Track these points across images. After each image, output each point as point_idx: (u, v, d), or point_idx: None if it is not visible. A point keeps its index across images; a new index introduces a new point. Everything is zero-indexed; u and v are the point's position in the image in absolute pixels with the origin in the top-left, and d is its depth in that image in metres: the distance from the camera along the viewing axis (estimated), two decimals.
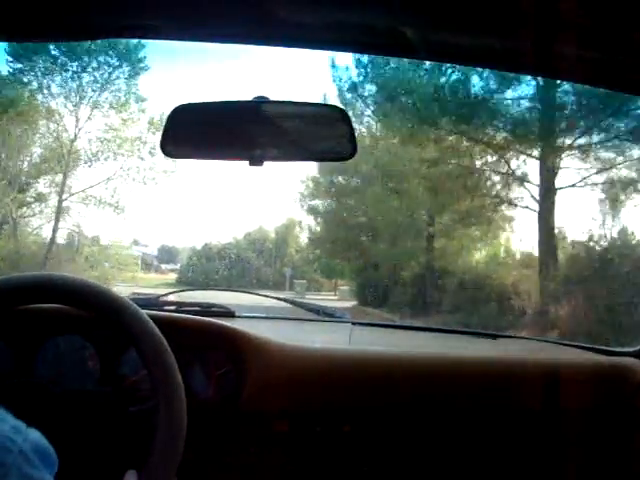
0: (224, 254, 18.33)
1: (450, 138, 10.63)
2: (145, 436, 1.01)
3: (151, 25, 0.99)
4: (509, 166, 10.72)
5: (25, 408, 1.07)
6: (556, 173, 10.07)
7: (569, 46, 0.96)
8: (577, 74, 1.08)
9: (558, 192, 9.98)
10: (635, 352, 1.56)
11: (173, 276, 18.23)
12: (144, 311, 1.08)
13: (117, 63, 12.35)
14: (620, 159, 9.52)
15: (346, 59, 11.16)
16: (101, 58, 12.26)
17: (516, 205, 10.81)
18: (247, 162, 1.14)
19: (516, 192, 10.76)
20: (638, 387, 1.47)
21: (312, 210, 16.01)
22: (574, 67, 1.03)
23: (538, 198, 10.19)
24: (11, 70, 11.75)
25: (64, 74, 12.06)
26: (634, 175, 9.70)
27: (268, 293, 2.12)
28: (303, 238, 19.66)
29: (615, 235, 9.98)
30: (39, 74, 11.90)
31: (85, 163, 13.21)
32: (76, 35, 1.05)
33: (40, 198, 13.21)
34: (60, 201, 13.19)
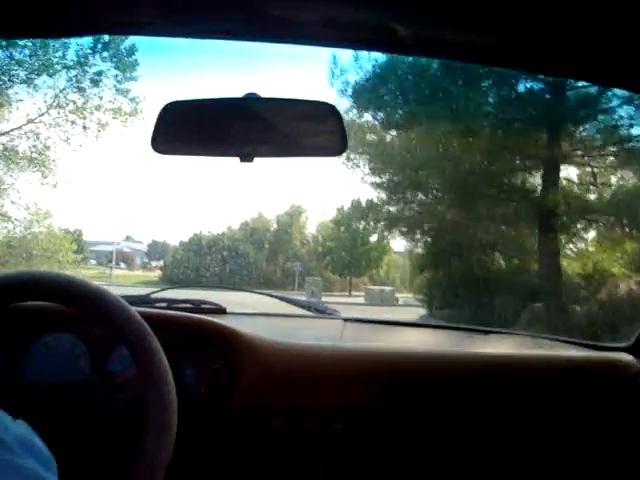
0: (216, 247, 16.16)
1: None
2: (135, 431, 1.01)
3: (145, 22, 0.98)
4: None
5: (15, 406, 1.07)
6: None
7: (567, 43, 0.96)
8: (576, 71, 1.08)
9: None
10: (627, 347, 1.57)
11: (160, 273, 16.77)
12: (135, 308, 1.07)
13: None
14: None
15: None
16: None
17: None
18: (238, 159, 1.14)
19: None
20: (631, 382, 1.48)
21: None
22: (572, 64, 1.03)
23: None
24: None
25: None
26: None
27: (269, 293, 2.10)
28: (310, 228, 17.30)
29: None
30: None
31: None
32: (70, 31, 1.04)
33: None
34: None
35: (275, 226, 17.47)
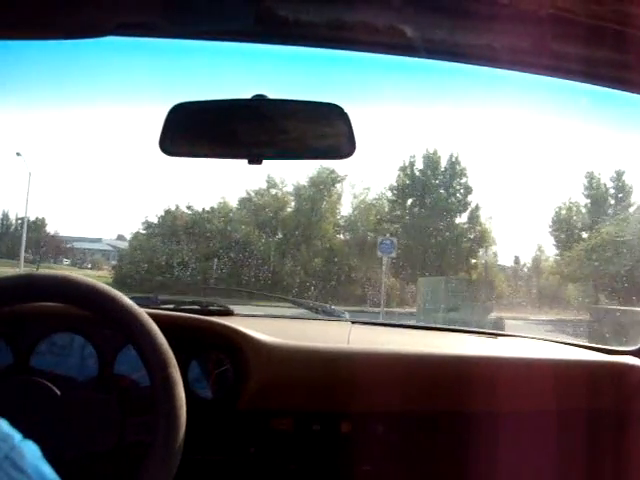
0: (199, 231, 10.44)
1: None
2: (144, 433, 1.02)
3: (149, 23, 0.98)
4: None
5: (21, 404, 1.07)
6: None
7: (569, 44, 0.96)
8: (577, 73, 1.08)
9: None
10: (635, 351, 1.56)
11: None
12: (143, 310, 1.07)
13: None
14: None
15: None
16: None
17: None
18: (246, 160, 1.14)
19: None
20: (638, 385, 1.47)
21: None
22: (574, 66, 1.03)
23: None
24: None
25: None
26: None
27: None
28: (346, 205, 10.87)
29: None
30: None
31: None
32: (73, 33, 1.04)
33: None
34: None
35: (293, 204, 11.41)
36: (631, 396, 1.46)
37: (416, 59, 1.08)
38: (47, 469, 0.57)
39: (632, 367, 1.50)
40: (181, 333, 1.29)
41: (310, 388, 1.38)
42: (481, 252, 11.39)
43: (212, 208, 11.22)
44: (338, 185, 11.10)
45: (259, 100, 1.11)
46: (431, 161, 11.30)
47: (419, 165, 11.37)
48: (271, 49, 1.11)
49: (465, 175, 11.54)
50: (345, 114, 1.12)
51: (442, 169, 11.34)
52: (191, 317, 1.40)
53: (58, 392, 1.13)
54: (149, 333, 1.04)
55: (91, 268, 14.86)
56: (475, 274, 11.16)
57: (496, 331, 1.79)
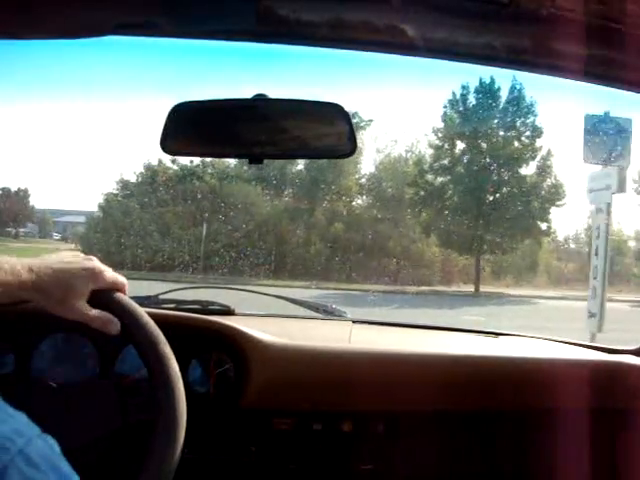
0: (183, 189, 8.25)
1: None
2: (144, 434, 1.01)
3: (150, 22, 0.98)
4: None
5: (23, 404, 1.07)
6: None
7: (569, 43, 0.96)
8: (577, 72, 1.08)
9: None
10: (635, 350, 1.56)
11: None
12: (143, 309, 1.07)
13: None
14: None
15: None
16: None
17: None
18: (247, 160, 1.14)
19: None
20: (638, 385, 1.47)
21: None
22: (573, 65, 1.03)
23: None
24: None
25: None
26: None
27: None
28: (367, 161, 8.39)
29: None
30: None
31: None
32: (74, 33, 1.04)
33: None
34: None
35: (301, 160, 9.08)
36: (631, 396, 1.47)
37: (417, 58, 1.09)
38: (65, 465, 0.55)
39: (632, 367, 1.50)
40: (182, 333, 1.29)
41: (311, 388, 1.38)
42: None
43: (203, 162, 9.30)
44: (361, 132, 8.75)
45: (260, 100, 1.11)
46: (488, 94, 8.62)
47: (472, 100, 8.70)
48: (272, 48, 1.11)
49: (533, 113, 9.13)
50: (346, 113, 1.12)
51: (502, 105, 8.65)
52: (192, 317, 1.40)
53: (54, 386, 1.13)
54: (151, 336, 1.04)
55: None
56: (545, 242, 8.86)
57: (497, 331, 1.79)
